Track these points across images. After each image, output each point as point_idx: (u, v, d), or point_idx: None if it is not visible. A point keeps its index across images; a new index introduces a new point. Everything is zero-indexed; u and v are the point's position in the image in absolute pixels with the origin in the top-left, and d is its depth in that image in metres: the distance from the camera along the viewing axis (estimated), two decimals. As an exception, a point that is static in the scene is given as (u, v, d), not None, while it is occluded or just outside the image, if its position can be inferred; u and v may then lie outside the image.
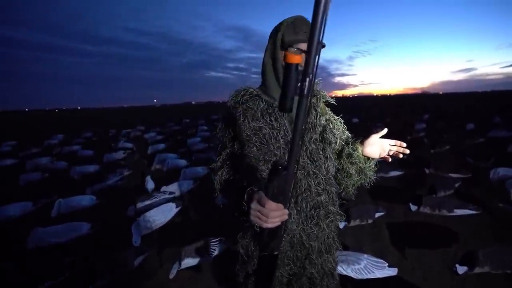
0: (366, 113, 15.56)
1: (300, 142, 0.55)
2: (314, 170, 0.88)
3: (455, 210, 2.83)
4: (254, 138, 0.86)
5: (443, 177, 3.90)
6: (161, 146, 7.50)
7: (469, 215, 2.82)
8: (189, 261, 2.14)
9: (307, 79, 0.48)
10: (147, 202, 3.26)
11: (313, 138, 0.89)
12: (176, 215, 3.14)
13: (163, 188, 3.66)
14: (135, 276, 2.17)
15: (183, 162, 5.47)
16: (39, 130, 15.89)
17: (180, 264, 2.10)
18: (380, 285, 1.93)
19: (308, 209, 0.88)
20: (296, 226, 0.88)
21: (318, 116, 0.92)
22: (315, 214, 0.89)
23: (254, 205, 0.63)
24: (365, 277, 1.89)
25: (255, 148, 0.85)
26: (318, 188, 0.89)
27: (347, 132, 1.02)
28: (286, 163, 0.56)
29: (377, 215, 2.87)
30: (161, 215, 2.92)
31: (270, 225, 0.60)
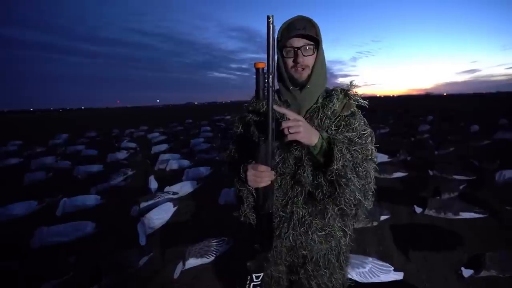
0: (369, 114, 15.42)
1: (271, 118, 0.71)
2: (301, 178, 0.82)
3: (461, 213, 2.80)
4: (240, 147, 0.95)
5: (448, 179, 3.87)
6: (164, 146, 7.55)
7: (475, 218, 2.79)
8: (193, 261, 2.14)
9: (270, 77, 0.70)
10: (151, 202, 3.28)
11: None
12: (176, 215, 3.15)
13: (167, 188, 3.68)
14: (139, 276, 2.18)
15: (186, 162, 5.50)
16: (44, 130, 16.04)
17: (184, 264, 2.11)
18: (384, 287, 1.91)
19: (300, 215, 0.85)
20: (287, 229, 0.86)
21: (323, 118, 0.85)
22: (306, 223, 0.85)
23: (250, 172, 0.75)
24: (370, 280, 1.87)
25: (237, 155, 0.96)
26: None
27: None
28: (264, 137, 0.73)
29: (382, 217, 2.85)
30: (163, 214, 2.94)
31: (263, 184, 0.74)
